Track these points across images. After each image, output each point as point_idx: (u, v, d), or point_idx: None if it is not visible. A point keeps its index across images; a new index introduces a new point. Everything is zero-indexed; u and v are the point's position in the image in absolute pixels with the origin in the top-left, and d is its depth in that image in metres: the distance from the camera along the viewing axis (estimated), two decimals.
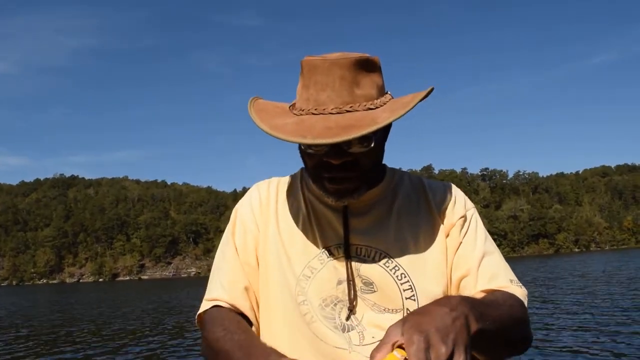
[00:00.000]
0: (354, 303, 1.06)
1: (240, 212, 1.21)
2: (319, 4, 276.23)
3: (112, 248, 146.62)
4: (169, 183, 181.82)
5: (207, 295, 1.15)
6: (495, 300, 0.99)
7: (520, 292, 1.09)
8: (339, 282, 1.08)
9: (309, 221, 1.15)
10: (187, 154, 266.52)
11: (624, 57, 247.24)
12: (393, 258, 1.09)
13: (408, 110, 0.96)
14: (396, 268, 1.08)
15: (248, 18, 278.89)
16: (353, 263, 1.09)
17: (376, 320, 1.06)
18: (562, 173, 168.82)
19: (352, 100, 0.98)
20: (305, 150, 1.03)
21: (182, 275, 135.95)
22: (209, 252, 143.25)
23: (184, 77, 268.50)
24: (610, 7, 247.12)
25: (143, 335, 11.39)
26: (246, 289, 1.14)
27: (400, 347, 0.75)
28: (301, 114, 1.01)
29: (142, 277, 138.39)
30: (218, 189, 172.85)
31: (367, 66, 1.02)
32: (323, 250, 1.11)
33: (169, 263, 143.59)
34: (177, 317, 15.34)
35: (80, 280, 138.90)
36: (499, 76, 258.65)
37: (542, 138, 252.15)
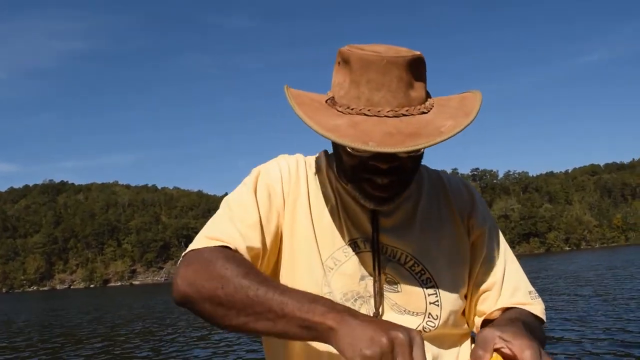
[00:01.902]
0: (379, 300, 1.03)
1: (267, 174, 1.10)
2: (314, 4, 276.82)
3: (103, 254, 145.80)
4: (159, 187, 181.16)
5: (208, 232, 0.99)
6: (535, 327, 1.02)
7: (539, 308, 1.10)
8: (362, 278, 1.05)
9: (337, 210, 1.09)
10: (177, 158, 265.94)
11: (612, 56, 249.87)
12: (420, 262, 1.06)
13: (471, 122, 0.92)
14: (422, 272, 1.06)
15: (240, 19, 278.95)
16: (380, 260, 1.05)
17: (395, 321, 0.96)
18: (551, 172, 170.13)
19: (407, 103, 0.93)
20: (347, 149, 0.94)
21: None
22: None
23: (174, 80, 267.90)
24: (598, 6, 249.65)
25: (128, 341, 11.30)
26: (264, 247, 1.02)
27: (497, 351, 0.77)
28: (350, 113, 0.93)
29: (134, 282, 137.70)
30: (209, 193, 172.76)
31: (421, 66, 0.97)
32: (349, 242, 1.06)
33: (161, 268, 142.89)
34: (166, 321, 15.24)
35: (71, 287, 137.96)
36: (490, 77, 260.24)
37: (531, 138, 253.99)
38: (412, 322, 1.02)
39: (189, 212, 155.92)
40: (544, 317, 1.10)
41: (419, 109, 0.94)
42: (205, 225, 1.03)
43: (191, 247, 0.98)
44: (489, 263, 1.11)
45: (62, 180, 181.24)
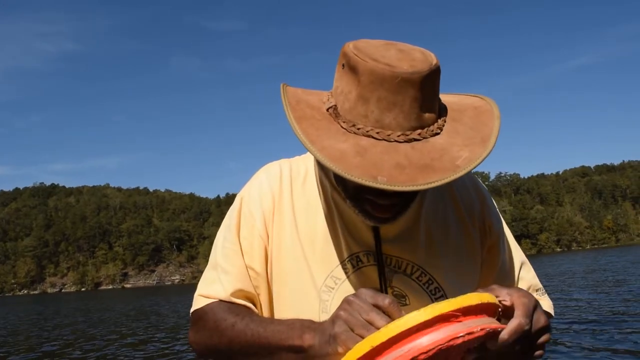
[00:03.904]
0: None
1: (248, 204, 1.06)
2: (304, 6, 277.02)
3: (94, 257, 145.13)
4: (151, 190, 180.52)
5: (204, 291, 1.03)
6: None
7: (547, 304, 1.09)
8: None
9: (332, 222, 1.02)
10: (169, 161, 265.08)
11: (602, 60, 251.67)
12: (426, 271, 1.01)
13: (488, 154, 0.84)
14: (430, 282, 1.01)
15: (230, 22, 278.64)
16: (385, 273, 1.00)
17: None
18: (542, 174, 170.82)
19: (419, 125, 0.85)
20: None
21: (166, 283, 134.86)
22: (193, 259, 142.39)
23: (165, 82, 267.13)
24: (587, 11, 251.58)
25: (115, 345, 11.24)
26: (251, 298, 1.03)
27: (500, 301, 0.78)
28: (356, 133, 0.85)
29: (126, 285, 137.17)
30: (201, 195, 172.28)
31: (437, 78, 0.87)
32: (348, 257, 1.00)
33: (153, 271, 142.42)
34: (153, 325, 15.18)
35: (62, 290, 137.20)
36: (481, 80, 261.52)
37: (522, 140, 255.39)
38: None
39: (180, 215, 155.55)
40: (552, 312, 1.09)
41: (432, 131, 0.86)
42: (200, 280, 1.06)
43: (192, 308, 1.04)
44: (505, 267, 1.09)
45: (52, 183, 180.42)
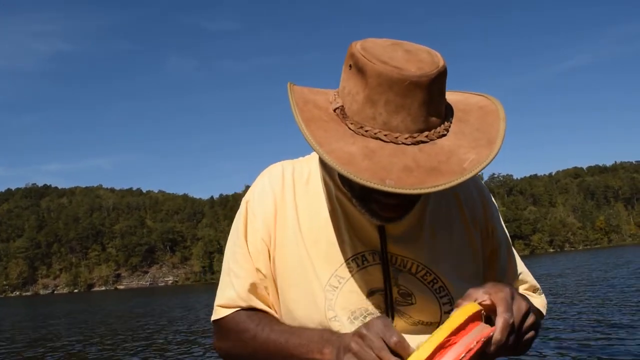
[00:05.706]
0: (390, 315, 1.00)
1: (252, 207, 1.08)
2: (300, 7, 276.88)
3: (87, 258, 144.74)
4: (144, 191, 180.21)
5: (221, 301, 1.07)
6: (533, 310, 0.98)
7: (542, 303, 1.12)
8: (370, 293, 1.00)
9: (336, 222, 1.03)
10: (162, 162, 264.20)
11: (595, 61, 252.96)
12: (431, 270, 1.02)
13: (495, 156, 0.86)
14: (434, 281, 1.02)
15: (226, 23, 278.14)
16: (389, 272, 1.01)
17: (408, 333, 1.00)
18: (535, 175, 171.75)
19: (426, 127, 0.86)
20: None
21: (160, 284, 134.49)
22: (187, 260, 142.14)
23: (159, 82, 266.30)
24: (582, 12, 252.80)
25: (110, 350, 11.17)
26: (264, 300, 1.06)
27: (480, 304, 0.81)
28: (364, 135, 0.86)
29: (119, 286, 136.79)
30: (195, 196, 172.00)
31: (444, 79, 0.88)
32: (353, 256, 1.01)
33: (146, 272, 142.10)
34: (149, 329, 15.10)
35: (55, 292, 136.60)
36: (476, 81, 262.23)
37: (515, 141, 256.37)
38: (425, 333, 0.98)
39: (174, 216, 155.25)
40: (544, 311, 1.13)
41: (438, 132, 0.87)
42: (218, 288, 1.10)
43: (212, 318, 1.09)
44: (506, 270, 1.11)
45: (45, 184, 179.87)
